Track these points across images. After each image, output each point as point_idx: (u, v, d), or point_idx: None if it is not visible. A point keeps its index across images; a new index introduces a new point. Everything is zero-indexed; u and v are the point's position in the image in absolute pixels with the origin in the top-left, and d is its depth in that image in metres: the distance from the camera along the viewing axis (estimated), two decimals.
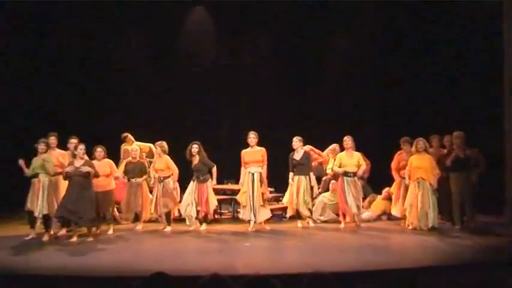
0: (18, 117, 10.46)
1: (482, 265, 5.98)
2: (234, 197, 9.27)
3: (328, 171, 9.52)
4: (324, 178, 9.70)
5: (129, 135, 9.74)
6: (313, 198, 9.05)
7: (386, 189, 9.50)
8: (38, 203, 7.72)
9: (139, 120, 10.75)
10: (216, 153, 9.05)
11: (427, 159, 8.36)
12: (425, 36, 10.85)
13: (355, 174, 8.69)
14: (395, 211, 8.90)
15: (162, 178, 8.61)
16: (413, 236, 8.02)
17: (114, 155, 9.04)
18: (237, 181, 8.87)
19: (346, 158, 8.74)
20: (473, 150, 8.58)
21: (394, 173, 8.84)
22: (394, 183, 9.00)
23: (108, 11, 11.08)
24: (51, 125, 8.63)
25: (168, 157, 8.68)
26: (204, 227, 8.64)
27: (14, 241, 7.65)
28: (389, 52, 11.22)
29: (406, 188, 8.51)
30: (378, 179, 9.68)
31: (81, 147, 7.89)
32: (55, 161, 7.99)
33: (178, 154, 8.77)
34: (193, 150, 8.62)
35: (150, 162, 9.12)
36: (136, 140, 9.74)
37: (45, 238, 7.80)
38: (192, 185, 8.62)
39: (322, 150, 9.80)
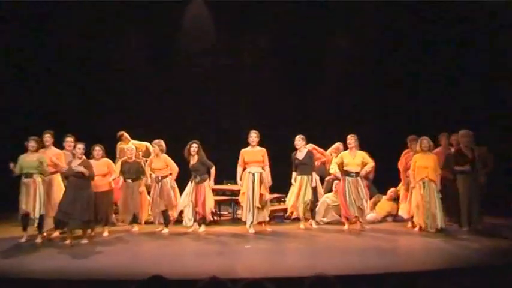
0: (18, 117, 10.50)
1: (490, 268, 5.99)
2: (233, 197, 9.28)
3: (331, 171, 9.52)
4: (326, 178, 9.71)
5: (125, 134, 9.76)
6: (317, 199, 9.05)
7: (392, 189, 9.52)
8: (36, 204, 7.73)
9: (138, 120, 10.80)
10: (215, 153, 9.07)
11: (431, 158, 8.38)
12: (426, 35, 10.94)
13: (357, 174, 8.70)
14: (403, 212, 8.91)
15: (160, 178, 8.62)
16: (419, 238, 8.03)
17: (112, 154, 9.08)
18: (236, 182, 8.88)
19: (349, 157, 8.75)
20: (482, 149, 8.59)
21: (402, 173, 8.85)
22: (401, 184, 9.01)
23: (108, 10, 11.18)
24: (51, 125, 8.64)
25: (166, 156, 8.70)
26: (202, 228, 8.65)
27: (6, 243, 7.66)
28: (390, 51, 11.29)
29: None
30: (383, 179, 9.70)
31: (79, 147, 7.90)
32: (48, 161, 8.00)
33: (177, 154, 8.79)
34: (192, 149, 8.64)
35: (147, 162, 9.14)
36: (133, 138, 9.75)
37: (38, 240, 7.82)
38: (190, 186, 8.64)
39: (325, 150, 9.81)
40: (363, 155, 8.81)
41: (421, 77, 11.05)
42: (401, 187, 9.01)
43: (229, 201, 9.82)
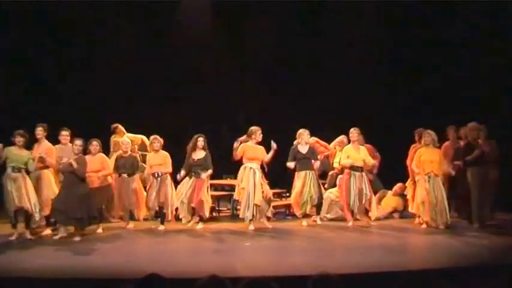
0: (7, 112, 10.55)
1: (501, 267, 6.00)
2: (233, 193, 9.30)
3: (335, 165, 9.52)
4: (330, 173, 9.71)
5: (120, 126, 9.74)
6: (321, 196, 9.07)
7: (398, 184, 9.52)
8: (31, 198, 7.75)
9: (137, 117, 10.77)
10: (213, 147, 9.06)
11: (436, 152, 8.40)
12: (435, 30, 10.98)
13: (362, 169, 8.72)
14: (412, 207, 8.92)
15: (160, 174, 8.64)
16: (427, 235, 8.05)
17: (105, 148, 9.09)
18: (236, 176, 8.89)
19: (353, 152, 8.76)
20: (491, 142, 8.60)
21: (410, 168, 8.87)
22: (409, 179, 9.01)
23: (108, 11, 11.34)
24: (44, 118, 8.70)
25: (166, 153, 8.72)
26: (200, 225, 8.67)
27: None
28: (402, 41, 11.31)
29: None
30: (389, 174, 9.71)
31: (77, 143, 7.90)
32: (36, 155, 7.99)
33: (174, 149, 8.83)
34: (199, 143, 8.67)
35: (143, 156, 9.14)
36: (128, 131, 9.76)
37: (28, 236, 7.82)
38: (188, 182, 8.65)
39: (328, 143, 9.81)
40: (365, 152, 8.82)
41: (429, 68, 11.05)
42: (409, 182, 9.01)
43: (229, 196, 9.83)
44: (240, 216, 8.58)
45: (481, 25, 10.47)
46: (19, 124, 8.24)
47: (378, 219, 9.03)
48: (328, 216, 9.26)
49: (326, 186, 9.55)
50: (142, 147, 9.54)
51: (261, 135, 8.65)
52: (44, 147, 8.23)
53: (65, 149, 8.28)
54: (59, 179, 8.27)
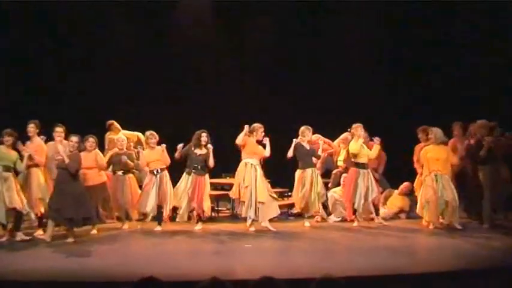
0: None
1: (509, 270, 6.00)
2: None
3: (340, 163, 9.52)
4: (334, 171, 9.70)
5: (115, 123, 9.74)
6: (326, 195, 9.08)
7: (405, 183, 9.52)
8: (23, 199, 7.76)
9: (137, 117, 10.81)
10: (212, 144, 9.05)
11: (443, 150, 8.39)
12: (437, 29, 11.12)
13: (368, 166, 8.73)
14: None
15: (158, 170, 8.64)
16: (435, 236, 8.05)
17: (101, 146, 9.11)
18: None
19: (359, 147, 8.74)
20: (502, 139, 8.60)
21: (417, 166, 8.87)
22: (417, 178, 9.00)
23: (108, 10, 11.51)
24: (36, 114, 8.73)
25: (163, 147, 8.72)
26: (199, 226, 8.67)
27: None
28: (402, 41, 11.44)
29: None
30: (390, 173, 9.72)
31: (73, 139, 7.89)
32: (22, 152, 7.98)
33: (174, 149, 8.84)
34: (203, 139, 8.68)
35: (138, 154, 9.14)
36: (123, 128, 9.76)
37: (19, 238, 7.80)
38: (187, 179, 8.65)
39: (332, 140, 9.81)
40: (366, 148, 8.83)
41: (429, 68, 11.18)
42: (418, 182, 9.00)
43: (228, 196, 9.81)
44: (243, 215, 8.53)
45: (481, 25, 10.68)
46: (19, 124, 8.29)
47: (383, 219, 9.03)
48: (333, 216, 9.24)
49: (330, 185, 9.54)
50: (139, 144, 9.52)
51: (263, 133, 8.65)
52: (35, 144, 8.22)
53: (59, 146, 8.25)
54: (50, 176, 8.27)
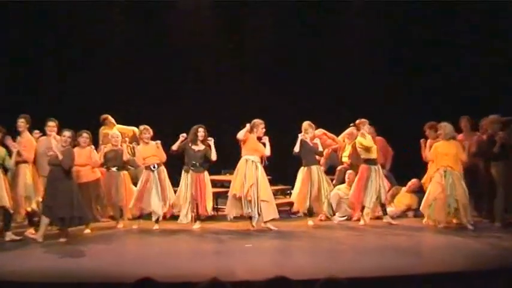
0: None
1: None
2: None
3: (344, 159, 9.53)
4: (338, 168, 9.71)
5: (109, 117, 9.76)
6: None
7: (412, 180, 9.52)
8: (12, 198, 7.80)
9: (136, 117, 10.86)
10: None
11: (453, 145, 8.39)
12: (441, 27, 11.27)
13: (377, 162, 8.75)
14: None
15: (156, 166, 8.67)
16: (444, 235, 8.05)
17: (94, 140, 9.13)
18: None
19: (369, 142, 8.74)
20: None
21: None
22: (426, 175, 9.01)
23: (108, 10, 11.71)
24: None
25: (158, 142, 8.74)
26: (197, 225, 8.69)
27: None
28: (402, 41, 11.57)
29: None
30: (402, 170, 9.74)
31: (65, 134, 7.88)
32: (11, 148, 8.00)
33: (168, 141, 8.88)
34: (199, 134, 8.70)
35: (133, 149, 9.16)
36: (118, 122, 9.77)
37: (8, 238, 7.80)
38: (186, 179, 8.67)
39: (336, 135, 9.82)
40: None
41: (429, 68, 11.31)
42: (426, 179, 9.00)
43: (228, 193, 9.83)
44: (251, 214, 8.49)
45: (481, 25, 10.85)
46: (10, 119, 8.34)
47: (390, 217, 9.03)
48: (337, 214, 9.25)
49: (334, 182, 9.54)
50: (134, 139, 9.54)
51: (264, 129, 8.66)
52: (24, 139, 8.23)
53: (51, 141, 8.27)
54: (40, 173, 8.30)
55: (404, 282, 5.60)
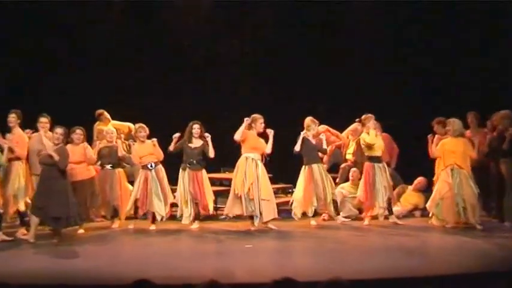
0: None
1: None
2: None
3: (348, 156, 9.53)
4: (342, 165, 9.71)
5: (105, 113, 9.76)
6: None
7: (419, 178, 9.53)
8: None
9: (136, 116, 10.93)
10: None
11: (461, 142, 8.39)
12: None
13: (382, 159, 8.76)
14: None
15: (153, 165, 8.68)
16: (452, 235, 8.06)
17: (89, 137, 9.15)
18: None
19: (374, 139, 8.74)
20: None
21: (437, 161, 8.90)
22: (436, 172, 9.01)
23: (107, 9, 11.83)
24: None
25: (154, 140, 8.75)
26: (195, 225, 8.70)
27: None
28: (402, 41, 11.67)
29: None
30: (409, 168, 9.74)
31: (58, 131, 7.87)
32: (2, 145, 8.01)
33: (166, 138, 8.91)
34: (194, 131, 8.71)
35: (129, 146, 9.17)
36: (113, 118, 9.78)
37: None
38: (183, 175, 8.69)
39: (340, 132, 9.82)
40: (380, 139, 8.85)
41: (429, 68, 11.36)
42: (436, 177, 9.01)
43: (227, 192, 9.84)
44: (254, 214, 8.50)
45: (481, 25, 11.00)
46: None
47: (396, 217, 9.03)
48: (341, 214, 9.25)
49: (338, 180, 9.54)
50: (130, 136, 9.55)
51: (262, 124, 8.65)
52: (15, 135, 8.23)
53: (43, 137, 8.26)
54: (32, 171, 8.30)
55: (410, 284, 5.61)
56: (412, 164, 9.73)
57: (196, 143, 8.74)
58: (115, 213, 8.85)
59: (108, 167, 8.76)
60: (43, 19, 11.36)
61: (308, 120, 8.93)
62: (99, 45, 11.71)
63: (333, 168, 9.74)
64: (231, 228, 8.72)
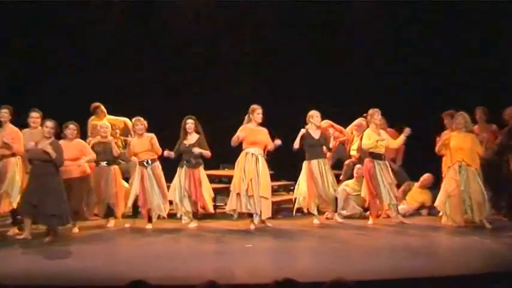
0: None
1: None
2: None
3: (353, 152, 9.53)
4: (346, 162, 9.72)
5: (101, 107, 9.73)
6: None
7: (425, 175, 9.54)
8: None
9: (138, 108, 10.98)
10: (209, 132, 9.11)
11: (468, 138, 8.38)
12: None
13: (385, 157, 8.77)
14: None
15: (149, 161, 8.69)
16: (459, 235, 8.06)
17: (82, 132, 9.18)
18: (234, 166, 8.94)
19: (376, 136, 8.75)
20: None
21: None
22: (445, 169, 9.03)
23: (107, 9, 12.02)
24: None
25: (151, 134, 8.76)
26: (193, 224, 8.72)
27: None
28: (402, 41, 11.82)
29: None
30: (415, 164, 9.76)
31: (48, 125, 7.88)
32: (0, 142, 8.03)
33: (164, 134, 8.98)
34: (187, 126, 8.72)
35: (125, 142, 9.18)
36: (109, 113, 9.79)
37: None
38: (180, 172, 8.70)
39: (344, 127, 9.83)
40: (386, 136, 8.84)
41: (429, 67, 11.47)
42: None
43: (227, 190, 9.86)
44: (253, 211, 8.53)
45: (481, 25, 11.14)
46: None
47: (402, 216, 9.04)
48: (344, 212, 9.26)
49: (341, 177, 9.56)
50: (126, 131, 9.56)
51: (260, 115, 8.65)
52: (8, 131, 8.25)
53: (35, 133, 8.29)
54: (25, 169, 8.32)
55: (416, 285, 5.63)
56: (412, 163, 9.74)
57: (192, 138, 8.74)
58: (109, 212, 8.85)
59: (104, 163, 8.75)
60: (43, 19, 11.48)
61: (311, 112, 8.94)
62: (99, 45, 11.82)
63: (337, 165, 9.76)
64: (230, 228, 8.73)
